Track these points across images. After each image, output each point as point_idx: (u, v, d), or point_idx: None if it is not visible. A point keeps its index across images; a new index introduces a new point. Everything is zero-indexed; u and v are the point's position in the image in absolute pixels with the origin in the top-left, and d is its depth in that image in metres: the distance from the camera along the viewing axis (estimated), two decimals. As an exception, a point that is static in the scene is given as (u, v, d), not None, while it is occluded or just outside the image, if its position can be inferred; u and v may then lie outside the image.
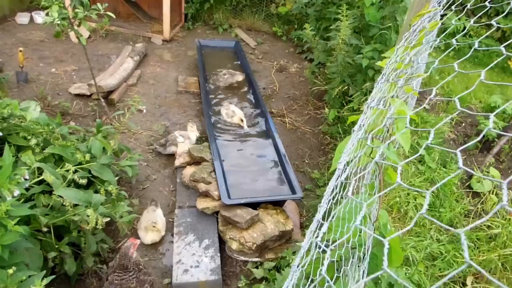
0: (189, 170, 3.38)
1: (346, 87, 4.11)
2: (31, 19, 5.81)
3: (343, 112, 4.10)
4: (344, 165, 0.98)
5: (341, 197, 1.10)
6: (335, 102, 4.33)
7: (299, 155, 4.13)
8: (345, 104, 4.18)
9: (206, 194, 3.15)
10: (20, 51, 4.31)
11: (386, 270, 0.51)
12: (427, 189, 3.58)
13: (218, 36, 6.43)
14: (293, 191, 3.23)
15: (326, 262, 0.66)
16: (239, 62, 5.42)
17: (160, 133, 4.06)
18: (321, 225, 0.84)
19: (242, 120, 4.06)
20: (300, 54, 6.18)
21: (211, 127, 3.89)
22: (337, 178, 0.95)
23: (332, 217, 0.95)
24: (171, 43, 6.00)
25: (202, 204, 3.07)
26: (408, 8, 2.56)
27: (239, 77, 4.85)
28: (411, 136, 2.89)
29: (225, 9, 6.67)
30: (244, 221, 2.84)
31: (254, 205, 3.08)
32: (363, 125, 1.07)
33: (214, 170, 3.27)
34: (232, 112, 4.13)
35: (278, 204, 3.21)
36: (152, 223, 2.86)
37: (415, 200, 3.45)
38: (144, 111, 4.31)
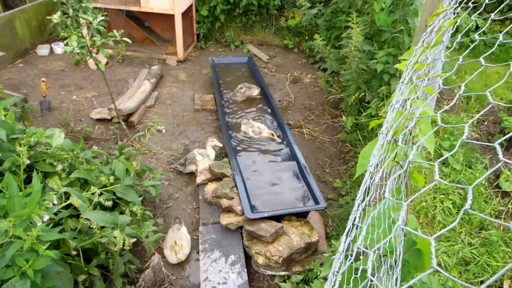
0: (210, 187, 3.39)
1: (362, 94, 4.08)
2: (51, 50, 6.02)
3: (361, 119, 4.06)
4: (374, 167, 0.96)
5: (367, 204, 1.08)
6: (352, 109, 4.30)
7: (320, 165, 4.09)
8: (362, 111, 4.14)
9: (229, 210, 3.14)
10: (43, 81, 4.45)
11: (436, 268, 0.49)
12: (453, 192, 3.48)
13: (231, 53, 6.51)
14: (316, 201, 3.20)
15: (369, 265, 0.64)
16: (253, 77, 5.46)
17: (180, 151, 4.10)
18: (356, 227, 0.82)
19: (272, 134, 4.10)
20: (312, 65, 6.19)
21: (230, 143, 3.90)
22: (368, 181, 0.93)
23: (363, 223, 0.92)
24: (185, 63, 6.11)
25: (226, 219, 3.06)
26: (421, 9, 2.55)
27: (255, 90, 4.88)
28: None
29: (235, 26, 6.76)
30: (269, 235, 2.81)
31: (278, 218, 3.06)
32: (389, 127, 1.05)
33: (235, 185, 3.27)
34: (258, 128, 4.14)
35: (302, 216, 3.17)
36: (175, 242, 2.86)
37: (442, 204, 3.36)
38: (163, 131, 4.37)
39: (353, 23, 3.98)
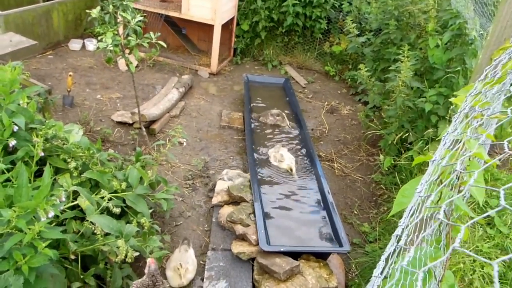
0: (226, 210, 3.38)
1: (405, 133, 4.04)
2: (83, 46, 6.31)
3: (400, 161, 3.99)
4: (416, 208, 0.94)
5: (398, 248, 1.05)
6: (392, 149, 4.24)
7: (348, 205, 4.03)
8: (403, 152, 4.08)
9: (243, 238, 3.12)
10: (70, 75, 4.65)
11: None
12: (497, 257, 3.33)
13: (267, 73, 6.61)
14: (339, 243, 3.13)
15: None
16: (287, 101, 5.51)
17: (198, 168, 4.14)
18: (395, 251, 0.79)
19: (291, 169, 4.00)
20: (353, 96, 6.19)
21: (253, 166, 3.91)
22: (407, 221, 0.91)
23: (396, 267, 0.90)
24: (217, 76, 6.24)
25: (238, 248, 3.03)
26: (485, 45, 2.54)
27: (286, 122, 4.88)
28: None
29: (276, 45, 6.90)
30: (282, 272, 2.76)
31: (295, 255, 3.00)
32: (436, 166, 1.03)
33: (253, 212, 3.26)
34: (281, 156, 4.11)
35: (321, 257, 3.10)
36: (180, 265, 2.84)
37: (483, 269, 3.21)
38: (184, 144, 4.43)
39: (403, 56, 3.98)
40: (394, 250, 0.92)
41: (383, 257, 0.95)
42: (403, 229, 0.87)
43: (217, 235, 3.27)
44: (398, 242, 0.90)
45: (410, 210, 0.94)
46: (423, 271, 0.73)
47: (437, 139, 3.67)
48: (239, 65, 6.78)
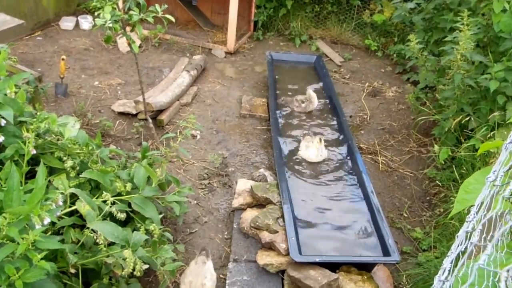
0: (249, 214, 3.41)
1: (465, 118, 3.96)
2: (77, 24, 6.42)
3: (459, 151, 3.92)
4: (486, 204, 0.93)
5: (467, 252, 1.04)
6: (449, 138, 4.18)
7: (396, 206, 4.00)
8: (462, 141, 4.01)
9: (270, 247, 3.13)
10: (63, 59, 4.75)
11: None
12: None
13: (295, 49, 6.59)
14: (386, 252, 3.12)
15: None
16: (320, 83, 5.48)
17: (215, 165, 4.17)
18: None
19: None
20: (400, 75, 6.12)
21: (281, 162, 3.92)
22: (473, 221, 0.90)
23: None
24: (235, 56, 6.26)
25: (265, 259, 3.05)
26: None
27: (315, 102, 4.87)
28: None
29: (304, 16, 6.86)
30: (318, 286, 2.77)
31: (333, 267, 3.00)
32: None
33: (282, 216, 3.27)
34: (315, 149, 4.10)
35: (364, 268, 3.10)
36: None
37: None
38: (198, 136, 4.45)
39: (462, 24, 3.90)
40: (466, 248, 0.92)
41: (449, 258, 0.94)
42: (474, 224, 0.86)
43: (240, 244, 3.29)
44: (468, 239, 0.89)
45: (478, 206, 0.93)
46: (508, 270, 0.72)
47: (505, 123, 3.59)
48: (261, 41, 6.77)
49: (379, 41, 6.66)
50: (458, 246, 0.98)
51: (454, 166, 3.98)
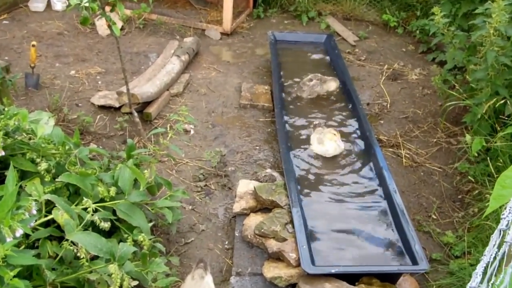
0: (253, 220, 3.40)
1: (500, 102, 3.95)
2: (48, 4, 6.43)
3: (495, 142, 3.91)
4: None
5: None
6: (482, 126, 4.17)
7: (423, 207, 3.99)
8: (498, 129, 3.99)
9: (278, 257, 3.13)
10: (33, 46, 4.74)
11: None
12: None
13: (302, 28, 6.57)
14: (413, 260, 3.12)
15: None
16: (331, 65, 5.46)
17: (213, 164, 4.16)
18: None
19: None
20: (424, 54, 6.11)
21: (288, 158, 3.91)
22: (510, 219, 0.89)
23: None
24: (233, 37, 6.24)
25: (272, 271, 3.05)
26: None
27: (332, 85, 4.87)
28: None
29: (312, -11, 6.84)
30: (335, 302, 2.77)
31: (352, 278, 3.00)
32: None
33: (291, 222, 3.27)
34: (328, 142, 4.10)
35: (388, 279, 3.09)
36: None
37: None
38: (192, 131, 4.46)
39: (495, -7, 3.89)
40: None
41: (482, 262, 0.93)
42: (508, 221, 0.86)
43: (243, 255, 3.29)
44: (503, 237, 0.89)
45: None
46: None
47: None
48: (262, 19, 6.76)
49: (399, 16, 6.64)
50: (493, 247, 0.97)
51: (489, 158, 3.97)
